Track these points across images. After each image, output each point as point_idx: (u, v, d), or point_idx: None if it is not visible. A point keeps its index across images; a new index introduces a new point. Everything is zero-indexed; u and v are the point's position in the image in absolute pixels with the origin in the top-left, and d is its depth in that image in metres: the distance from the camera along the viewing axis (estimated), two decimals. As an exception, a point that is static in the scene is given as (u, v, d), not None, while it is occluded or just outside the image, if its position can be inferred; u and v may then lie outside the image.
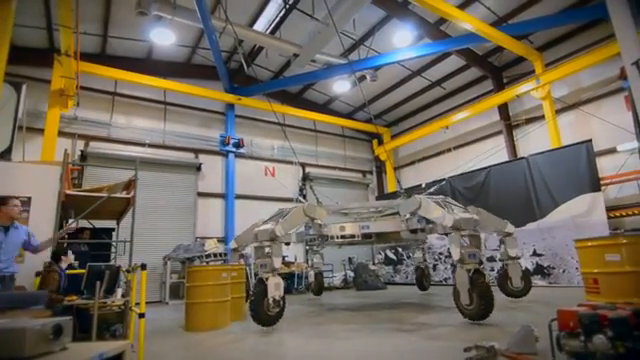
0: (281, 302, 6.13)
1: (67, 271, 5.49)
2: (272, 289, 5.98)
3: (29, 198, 6.20)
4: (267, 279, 6.09)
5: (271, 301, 5.98)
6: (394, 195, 16.07)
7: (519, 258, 7.82)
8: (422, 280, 10.65)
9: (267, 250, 6.40)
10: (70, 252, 5.56)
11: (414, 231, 7.46)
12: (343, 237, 7.77)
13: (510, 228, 7.78)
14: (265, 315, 6.03)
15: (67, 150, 7.22)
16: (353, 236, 7.73)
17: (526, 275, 7.91)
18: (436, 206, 6.61)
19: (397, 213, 8.15)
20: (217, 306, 6.76)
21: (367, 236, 7.96)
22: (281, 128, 14.32)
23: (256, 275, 13.01)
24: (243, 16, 11.99)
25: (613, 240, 4.16)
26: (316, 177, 17.06)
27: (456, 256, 6.02)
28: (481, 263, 6.18)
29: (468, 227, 6.08)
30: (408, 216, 7.51)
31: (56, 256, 5.25)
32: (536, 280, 10.93)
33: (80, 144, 12.29)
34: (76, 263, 6.50)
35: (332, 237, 7.79)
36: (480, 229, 7.22)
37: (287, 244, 6.75)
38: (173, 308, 10.22)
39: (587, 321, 3.06)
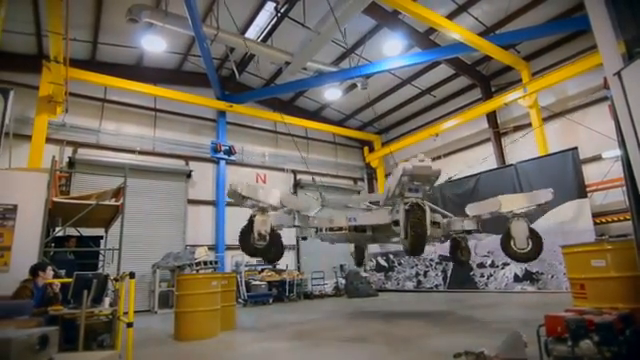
0: (267, 237, 6.45)
1: (52, 280, 5.37)
2: (258, 224, 6.42)
3: (15, 206, 6.09)
4: (254, 216, 6.51)
5: (256, 235, 6.36)
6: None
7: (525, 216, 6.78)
8: (457, 252, 8.73)
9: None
10: (50, 268, 5.35)
11: (396, 223, 6.74)
12: (331, 229, 7.40)
13: (545, 196, 6.64)
14: (252, 247, 6.47)
15: (55, 157, 7.14)
16: (341, 229, 7.35)
17: (535, 234, 6.81)
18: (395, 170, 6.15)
19: None
20: (207, 315, 6.68)
21: (361, 230, 7.41)
22: (276, 135, 14.31)
23: (247, 283, 12.95)
24: (235, 24, 12.03)
25: (598, 246, 4.23)
26: (307, 184, 17.05)
27: (397, 191, 5.85)
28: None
29: (422, 172, 5.68)
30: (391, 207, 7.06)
31: (34, 271, 5.10)
32: (525, 286, 11.04)
33: (68, 151, 12.13)
34: (62, 272, 6.39)
35: (320, 229, 7.48)
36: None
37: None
38: (162, 317, 10.07)
39: (574, 326, 3.11)
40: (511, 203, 6.80)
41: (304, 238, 7.98)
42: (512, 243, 6.88)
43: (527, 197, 6.94)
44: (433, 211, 7.30)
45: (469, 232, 7.59)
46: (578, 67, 10.85)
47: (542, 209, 7.00)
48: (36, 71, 10.58)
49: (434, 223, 7.01)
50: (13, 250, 5.88)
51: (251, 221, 6.52)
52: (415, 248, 5.79)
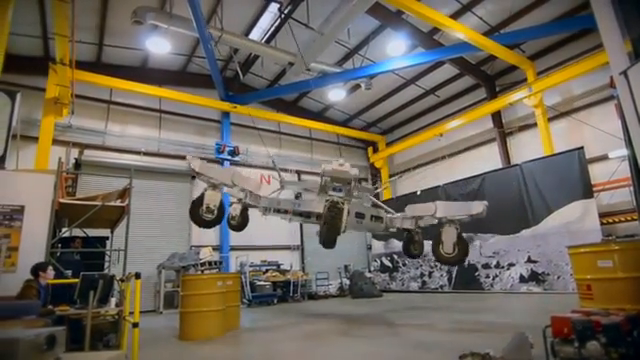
0: (215, 211, 7.07)
1: (55, 280, 5.39)
2: (207, 199, 7.06)
3: (22, 207, 6.15)
4: (206, 190, 7.14)
5: (205, 207, 6.98)
6: (389, 202, 16.15)
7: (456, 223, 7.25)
8: (409, 246, 8.98)
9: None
10: (50, 268, 5.30)
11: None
12: (278, 211, 7.82)
13: (477, 208, 7.05)
14: (200, 218, 7.07)
15: (61, 158, 7.20)
16: (287, 212, 7.80)
17: (462, 241, 7.32)
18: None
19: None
20: (212, 315, 6.71)
21: (306, 215, 7.78)
22: (277, 136, 14.33)
23: (251, 283, 12.97)
24: (239, 25, 12.07)
25: (605, 246, 4.20)
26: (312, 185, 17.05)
27: (323, 186, 6.52)
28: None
29: (339, 175, 6.27)
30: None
31: (35, 271, 5.11)
32: (531, 287, 10.97)
33: (74, 152, 12.22)
34: (69, 272, 6.44)
35: (269, 209, 7.82)
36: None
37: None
38: (167, 317, 10.11)
39: (580, 327, 3.09)
40: (445, 210, 7.34)
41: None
42: (440, 247, 7.39)
43: (460, 206, 7.57)
44: (377, 206, 8.12)
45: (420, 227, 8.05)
46: (584, 66, 10.78)
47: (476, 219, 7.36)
48: (42, 73, 10.68)
49: (377, 218, 7.74)
50: (20, 251, 5.94)
51: (202, 194, 7.12)
52: (326, 241, 6.57)
